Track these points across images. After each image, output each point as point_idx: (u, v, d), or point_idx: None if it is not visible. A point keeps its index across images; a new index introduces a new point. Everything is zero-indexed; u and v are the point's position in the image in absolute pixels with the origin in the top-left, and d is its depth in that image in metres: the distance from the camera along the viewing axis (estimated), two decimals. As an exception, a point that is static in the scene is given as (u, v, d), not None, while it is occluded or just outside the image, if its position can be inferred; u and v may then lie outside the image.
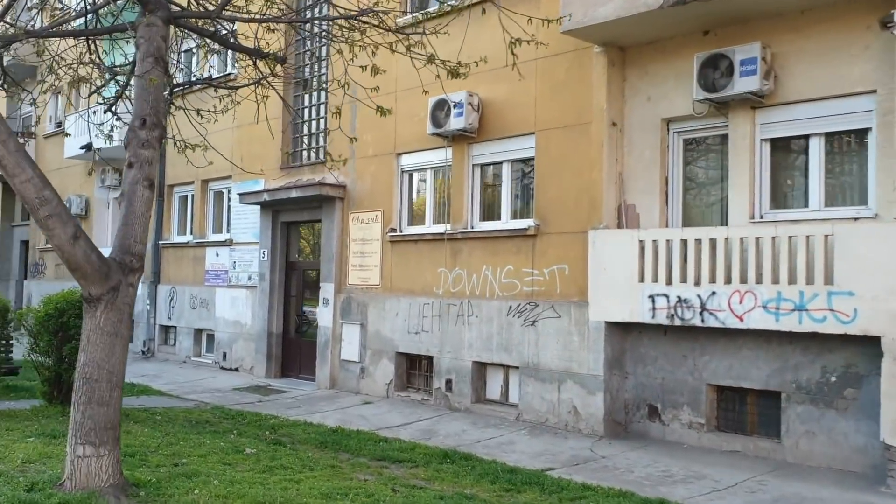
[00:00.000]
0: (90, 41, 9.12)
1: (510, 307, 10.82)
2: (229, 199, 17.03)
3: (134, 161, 6.63)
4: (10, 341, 9.86)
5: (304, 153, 15.12)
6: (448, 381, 11.61)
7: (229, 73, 15.95)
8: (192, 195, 18.18)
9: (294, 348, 15.02)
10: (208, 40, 8.92)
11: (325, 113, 14.41)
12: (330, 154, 9.45)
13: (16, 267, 26.57)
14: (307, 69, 14.87)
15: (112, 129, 10.17)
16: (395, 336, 12.53)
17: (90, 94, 9.63)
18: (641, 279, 9.34)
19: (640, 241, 9.38)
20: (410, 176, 12.94)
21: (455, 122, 11.36)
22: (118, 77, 9.70)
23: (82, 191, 21.76)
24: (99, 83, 9.94)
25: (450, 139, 11.83)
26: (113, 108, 9.04)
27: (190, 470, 7.16)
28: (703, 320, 8.80)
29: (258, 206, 15.46)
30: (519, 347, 10.68)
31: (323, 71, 14.47)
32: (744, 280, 8.52)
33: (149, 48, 6.88)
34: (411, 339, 12.25)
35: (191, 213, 18.33)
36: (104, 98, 9.74)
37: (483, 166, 11.79)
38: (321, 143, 14.72)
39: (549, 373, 10.30)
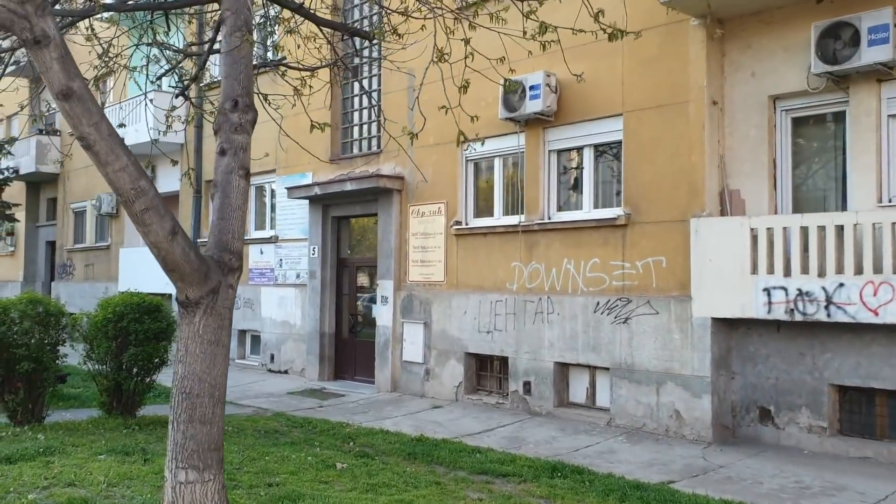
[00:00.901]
0: (152, 20, 8.39)
1: (598, 303, 10.05)
2: (273, 195, 16.31)
3: (227, 147, 5.88)
4: (58, 347, 9.11)
5: (356, 144, 14.36)
6: (526, 384, 10.85)
7: (283, 58, 15.23)
8: (231, 191, 17.41)
9: (348, 349, 14.29)
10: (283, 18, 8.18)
11: (380, 100, 13.64)
12: (413, 134, 8.58)
13: (42, 268, 25.93)
14: (367, 50, 14.08)
15: (170, 121, 9.45)
16: (463, 335, 11.78)
17: (158, 78, 8.88)
18: (754, 271, 8.55)
19: (752, 230, 8.58)
20: (476, 165, 12.17)
21: (531, 105, 10.58)
22: (171, 61, 8.97)
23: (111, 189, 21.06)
24: (157, 68, 9.23)
25: (522, 124, 11.06)
26: (186, 93, 8.30)
27: (288, 491, 6.43)
28: (829, 315, 8.00)
29: (306, 201, 14.73)
30: (609, 347, 9.92)
31: (378, 54, 13.70)
32: (878, 270, 7.73)
33: (236, 21, 6.12)
34: (482, 338, 11.50)
35: (230, 210, 17.57)
36: (176, 82, 9.01)
37: (560, 152, 11.00)
38: (374, 132, 13.97)
39: (645, 374, 9.53)
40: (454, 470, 7.79)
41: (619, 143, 10.16)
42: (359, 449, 8.53)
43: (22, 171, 23.69)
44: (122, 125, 18.29)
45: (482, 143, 9.16)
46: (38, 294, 9.27)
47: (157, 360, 9.63)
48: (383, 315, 13.04)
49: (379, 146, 13.69)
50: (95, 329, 9.37)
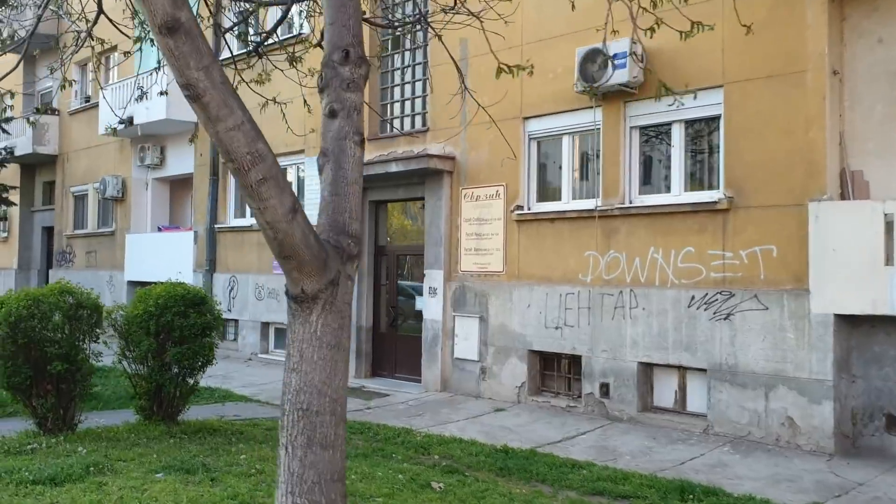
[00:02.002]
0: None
1: (692, 297, 9.05)
2: (300, 178, 15.18)
3: (338, 108, 4.79)
4: (79, 343, 7.90)
5: (398, 122, 13.24)
6: (603, 386, 9.84)
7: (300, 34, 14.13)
8: (251, 173, 16.25)
9: (387, 344, 13.22)
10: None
11: (426, 73, 12.53)
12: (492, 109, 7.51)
13: (38, 255, 24.56)
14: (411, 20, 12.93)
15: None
16: (526, 331, 10.74)
17: (227, 31, 7.76)
18: (889, 262, 7.58)
19: (887, 215, 7.61)
20: (539, 144, 11.11)
21: (615, 76, 9.53)
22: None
23: (118, 171, 19.81)
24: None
25: (600, 97, 10.01)
26: (261, 49, 7.19)
27: (401, 523, 5.39)
28: (983, 312, 7.06)
29: (339, 184, 13.58)
30: (706, 346, 8.92)
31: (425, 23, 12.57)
32: None
33: (343, -45, 5.04)
34: (549, 334, 10.47)
35: (250, 194, 16.41)
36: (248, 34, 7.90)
37: (644, 129, 9.97)
38: (418, 108, 12.87)
39: (751, 377, 8.54)
40: (562, 489, 6.78)
41: (717, 118, 9.14)
42: (445, 464, 7.48)
43: (17, 153, 22.31)
44: (125, 122, 17.04)
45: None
46: (70, 284, 8.12)
47: (201, 360, 8.52)
48: (431, 308, 11.97)
49: (425, 124, 12.60)
50: (134, 324, 8.24)
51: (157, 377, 8.26)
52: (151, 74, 17.51)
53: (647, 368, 9.58)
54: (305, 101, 9.05)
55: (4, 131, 20.08)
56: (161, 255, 18.09)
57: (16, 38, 19.51)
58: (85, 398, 8.13)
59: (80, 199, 22.04)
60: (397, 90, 13.30)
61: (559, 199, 10.81)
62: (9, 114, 22.93)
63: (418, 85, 12.90)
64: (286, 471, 4.31)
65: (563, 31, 10.45)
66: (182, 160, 18.23)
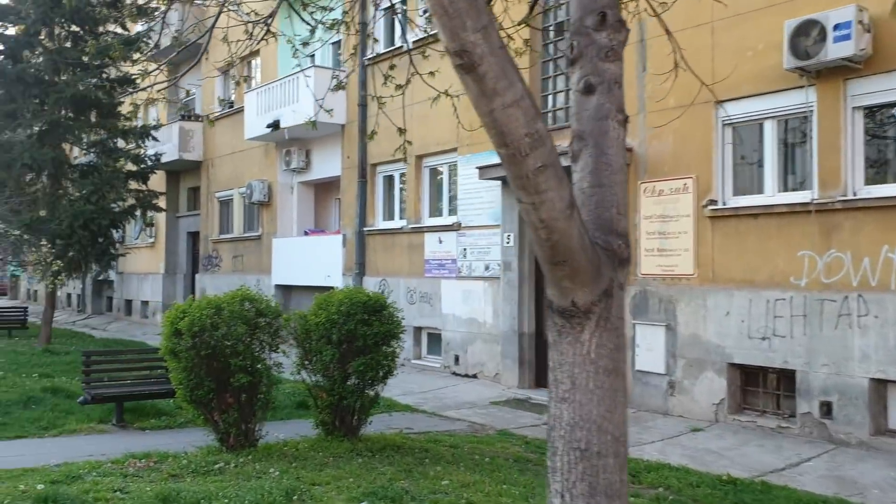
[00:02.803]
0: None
1: (943, 303, 7.71)
2: (451, 177, 14.54)
3: (595, 82, 3.94)
4: (260, 353, 7.45)
5: (561, 113, 12.35)
6: (824, 405, 8.59)
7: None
8: (401, 174, 15.80)
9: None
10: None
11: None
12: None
13: (184, 260, 25.16)
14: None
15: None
16: (725, 342, 9.61)
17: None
18: None
19: None
20: (735, 130, 9.95)
21: (836, 50, 8.28)
22: None
23: (263, 175, 19.86)
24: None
25: (813, 75, 8.78)
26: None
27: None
28: None
29: (496, 183, 12.86)
30: (963, 360, 7.57)
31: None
32: None
33: None
34: (754, 346, 9.30)
35: (399, 195, 15.96)
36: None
37: (870, 109, 8.68)
38: (586, 99, 11.93)
39: None
40: (823, 534, 5.70)
41: (972, 93, 7.76)
42: (672, 497, 6.52)
43: (164, 160, 22.82)
44: (272, 125, 16.84)
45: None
46: (250, 290, 7.68)
47: (383, 371, 7.91)
48: (607, 314, 11.00)
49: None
50: (316, 332, 7.71)
51: (339, 389, 7.70)
52: (293, 78, 17.45)
53: (881, 386, 8.27)
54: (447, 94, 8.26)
55: (153, 138, 20.50)
56: (308, 259, 17.92)
57: (167, 43, 19.88)
58: (266, 412, 7.65)
59: (226, 204, 22.32)
60: (560, 79, 12.41)
61: (761, 191, 9.62)
62: (154, 120, 23.63)
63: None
64: (563, 524, 3.50)
65: (763, 4, 9.29)
66: (327, 163, 18.00)
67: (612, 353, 3.65)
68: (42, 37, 19.00)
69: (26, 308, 21.81)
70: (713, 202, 9.86)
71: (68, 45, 19.42)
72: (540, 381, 12.39)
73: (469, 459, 7.52)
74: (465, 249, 13.68)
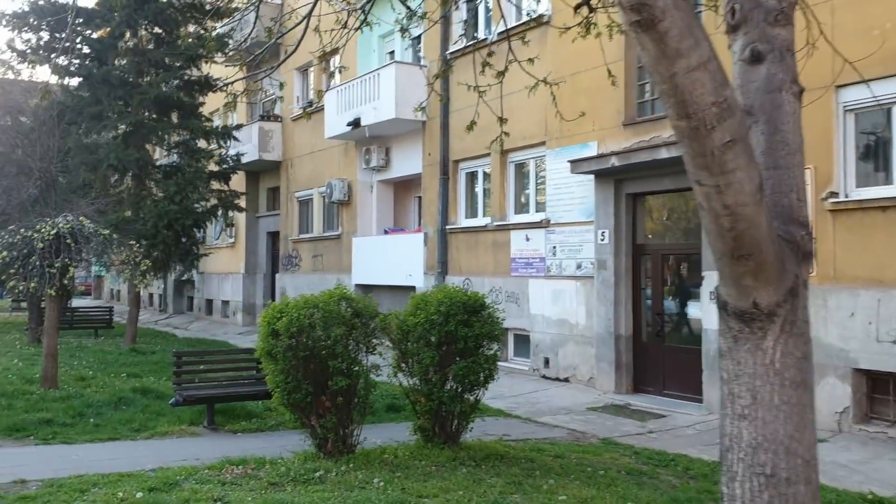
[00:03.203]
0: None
1: None
2: (539, 172, 14.02)
3: (764, 50, 3.42)
4: (357, 355, 7.07)
5: (659, 102, 11.69)
6: (970, 415, 7.79)
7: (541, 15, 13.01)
8: (484, 171, 15.36)
9: (651, 356, 11.70)
10: None
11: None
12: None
13: (263, 259, 25.27)
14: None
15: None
16: (849, 346, 8.84)
17: None
18: None
19: None
20: (857, 117, 9.17)
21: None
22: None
23: (343, 174, 19.69)
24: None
25: (955, 54, 7.97)
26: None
27: None
28: None
29: (589, 177, 12.29)
30: None
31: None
32: None
33: None
34: (884, 350, 8.52)
35: (482, 192, 15.52)
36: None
37: None
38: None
39: None
40: None
41: None
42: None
43: (244, 160, 22.93)
44: (353, 123, 16.55)
45: None
46: (347, 290, 7.35)
47: (483, 374, 7.48)
48: (713, 316, 10.28)
49: (696, 104, 10.97)
50: (414, 334, 7.32)
51: (438, 393, 7.29)
52: (373, 75, 17.20)
53: None
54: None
55: (234, 139, 20.59)
56: (389, 258, 17.65)
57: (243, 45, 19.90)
58: (364, 417, 7.30)
59: (305, 204, 22.28)
60: (659, 68, 11.74)
61: (889, 182, 8.82)
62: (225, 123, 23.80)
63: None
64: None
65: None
66: (407, 161, 17.70)
67: (800, 362, 3.13)
68: (126, 38, 19.25)
69: (112, 308, 22.20)
70: (834, 194, 9.10)
71: (151, 46, 19.66)
72: (638, 385, 11.78)
73: (579, 471, 7.02)
74: (554, 247, 13.14)
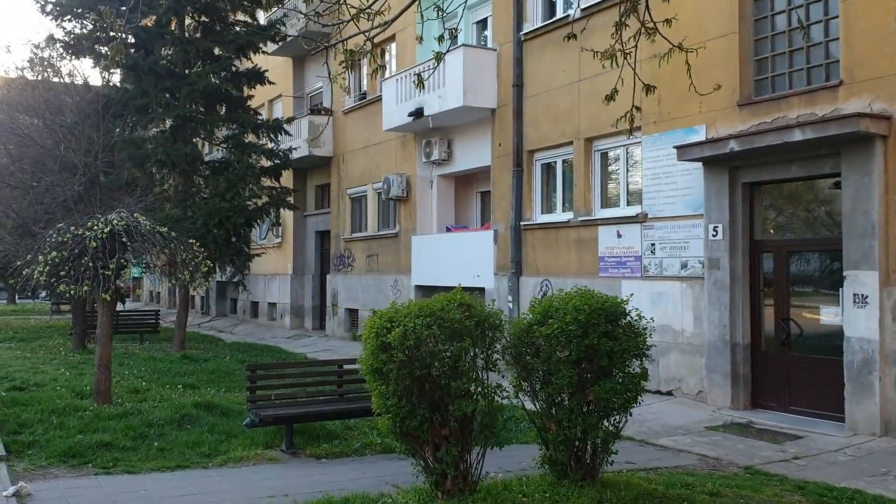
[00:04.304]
0: None
1: None
2: (630, 161, 12.69)
3: None
4: (480, 373, 5.82)
5: (784, 78, 10.29)
6: None
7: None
8: (564, 161, 14.06)
9: (774, 367, 10.31)
10: None
11: (826, 12, 9.56)
12: None
13: (312, 260, 24.16)
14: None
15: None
16: None
17: None
18: None
19: None
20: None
21: None
22: None
23: (401, 169, 18.49)
24: None
25: None
26: None
27: None
28: None
29: (694, 165, 10.94)
30: None
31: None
32: None
33: None
34: None
35: (562, 184, 14.22)
36: None
37: None
38: (817, 59, 9.87)
39: None
40: None
41: None
42: None
43: (294, 156, 21.84)
44: (415, 114, 15.37)
45: None
46: (467, 295, 6.10)
47: (628, 395, 6.19)
48: (859, 322, 8.92)
49: (829, 77, 9.59)
50: (546, 347, 6.05)
51: (576, 420, 6.01)
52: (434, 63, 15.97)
53: None
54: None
55: (286, 132, 19.50)
56: (453, 258, 16.41)
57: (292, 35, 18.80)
58: (488, 447, 6.05)
59: (358, 201, 21.13)
60: (779, 40, 10.35)
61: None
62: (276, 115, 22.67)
63: (816, 28, 9.89)
64: None
65: None
66: (472, 153, 16.45)
67: None
68: (172, 27, 18.25)
69: (158, 311, 21.23)
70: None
71: (198, 35, 18.65)
72: (758, 400, 10.40)
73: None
74: (652, 244, 11.79)
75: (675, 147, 10.92)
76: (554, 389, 6.07)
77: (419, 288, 17.68)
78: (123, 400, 10.20)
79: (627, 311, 6.37)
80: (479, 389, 5.86)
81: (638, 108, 7.24)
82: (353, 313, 20.93)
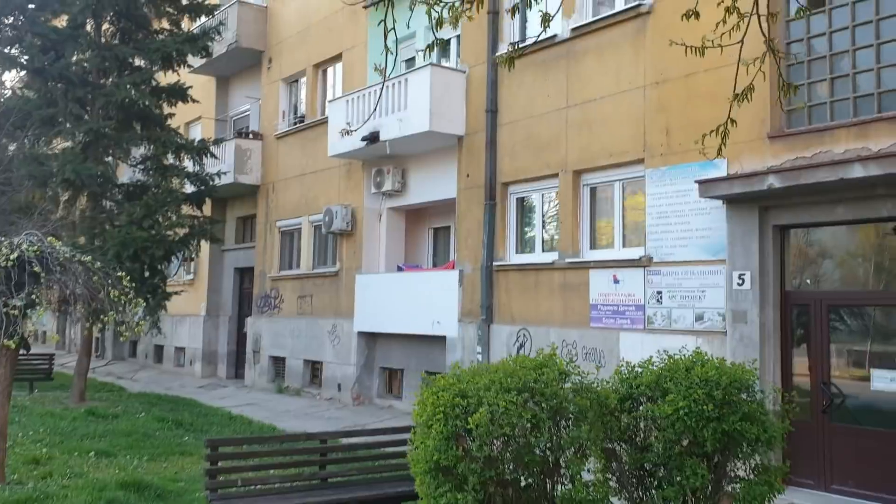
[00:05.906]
0: None
1: None
2: (627, 196, 11.33)
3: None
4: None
5: (821, 110, 9.15)
6: None
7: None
8: (543, 195, 12.61)
9: (811, 439, 8.95)
10: None
11: (878, 34, 8.51)
12: None
13: (229, 300, 21.70)
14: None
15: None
16: None
17: None
18: None
19: None
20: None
21: None
22: None
23: (345, 199, 16.59)
24: None
25: None
26: None
27: None
28: None
29: (717, 203, 9.66)
30: None
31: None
32: None
33: None
34: None
35: (541, 221, 12.74)
36: None
37: None
38: (865, 87, 8.77)
39: None
40: None
41: None
42: None
43: (218, 182, 19.57)
44: (369, 139, 13.58)
45: None
46: (558, 357, 4.37)
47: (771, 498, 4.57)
48: (928, 388, 7.70)
49: (881, 108, 8.49)
50: (668, 432, 4.37)
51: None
52: (399, 81, 14.33)
53: None
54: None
55: (212, 155, 17.32)
56: (406, 301, 14.59)
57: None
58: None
59: (289, 235, 19.01)
60: (817, 66, 9.23)
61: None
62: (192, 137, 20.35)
63: (864, 54, 8.80)
64: None
65: None
66: (428, 185, 14.82)
67: None
68: (88, 29, 15.91)
69: (52, 356, 18.26)
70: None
71: (116, 42, 16.38)
72: (790, 477, 8.98)
73: None
74: (658, 292, 10.38)
75: (697, 182, 9.57)
76: (674, 493, 4.38)
77: (362, 335, 15.77)
78: (20, 475, 7.83)
79: (752, 384, 4.79)
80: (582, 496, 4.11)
81: (733, 122, 5.78)
82: (278, 361, 18.69)
